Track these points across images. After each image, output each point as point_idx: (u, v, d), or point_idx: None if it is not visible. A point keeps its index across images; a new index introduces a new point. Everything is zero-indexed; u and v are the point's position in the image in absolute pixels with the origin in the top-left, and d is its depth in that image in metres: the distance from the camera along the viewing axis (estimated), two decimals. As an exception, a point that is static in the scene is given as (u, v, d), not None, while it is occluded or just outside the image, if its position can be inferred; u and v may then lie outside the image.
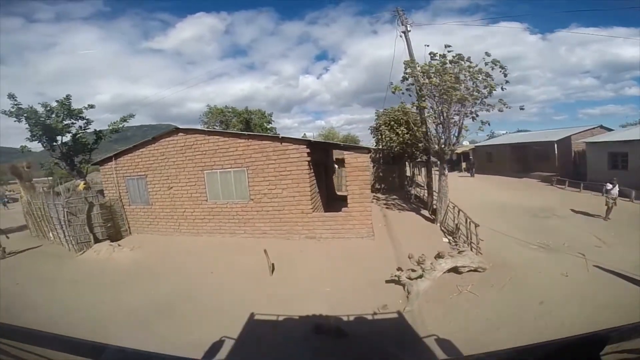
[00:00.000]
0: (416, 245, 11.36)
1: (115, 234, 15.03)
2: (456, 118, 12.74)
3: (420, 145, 18.10)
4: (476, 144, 37.47)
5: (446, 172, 13.67)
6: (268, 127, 36.56)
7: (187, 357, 1.27)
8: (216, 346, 5.58)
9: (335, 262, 10.30)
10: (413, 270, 8.35)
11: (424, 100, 12.89)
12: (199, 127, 23.63)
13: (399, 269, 8.60)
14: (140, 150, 14.61)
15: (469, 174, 31.92)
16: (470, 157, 36.10)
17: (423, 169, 23.32)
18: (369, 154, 11.56)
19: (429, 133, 13.73)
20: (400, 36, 17.03)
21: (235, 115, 42.94)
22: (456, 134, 13.02)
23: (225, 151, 12.93)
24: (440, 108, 12.63)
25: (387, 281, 8.62)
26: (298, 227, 12.51)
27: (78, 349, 1.05)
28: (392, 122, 18.64)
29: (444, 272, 8.55)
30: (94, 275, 10.67)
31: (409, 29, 16.86)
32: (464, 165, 35.96)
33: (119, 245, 13.29)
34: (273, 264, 9.73)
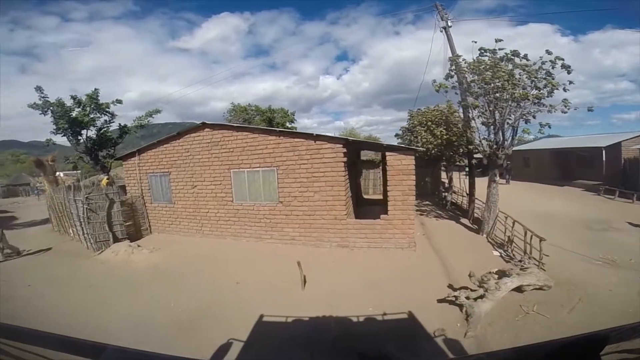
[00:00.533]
0: (463, 258, 10.17)
1: (135, 233, 14.26)
2: (512, 118, 11.26)
3: (461, 148, 16.65)
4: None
5: (497, 178, 12.20)
6: (290, 126, 35.61)
7: (187, 357, 1.22)
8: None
9: (375, 276, 9.07)
10: (472, 290, 7.28)
11: (475, 99, 11.48)
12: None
13: (455, 287, 7.38)
14: (164, 146, 13.76)
15: (503, 180, 29.90)
16: (507, 162, 33.91)
17: (457, 173, 21.76)
18: (415, 156, 10.23)
19: (477, 135, 12.28)
20: (441, 31, 15.72)
21: (259, 113, 42.26)
22: (512, 136, 11.56)
23: (253, 149, 11.88)
24: (493, 107, 11.19)
25: (439, 300, 7.48)
26: (330, 234, 11.33)
27: (78, 349, 1.01)
28: (429, 123, 17.21)
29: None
30: (110, 279, 9.81)
31: (449, 24, 15.51)
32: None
33: (138, 246, 12.43)
34: (305, 277, 8.59)
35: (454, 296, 7.20)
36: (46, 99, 16.26)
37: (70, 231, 15.15)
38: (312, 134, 11.17)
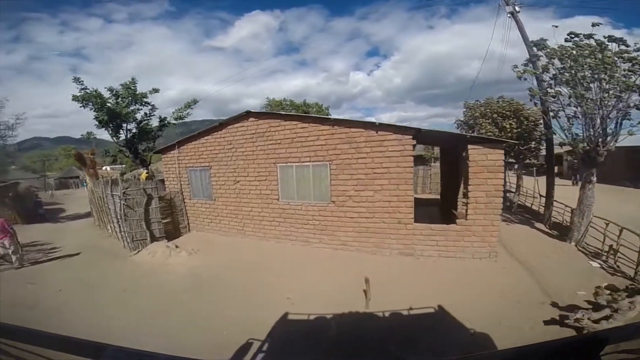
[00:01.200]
0: (555, 270, 8.37)
1: (173, 231, 13.19)
2: (614, 110, 9.09)
3: (532, 143, 14.36)
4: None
5: (594, 178, 9.97)
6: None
7: (188, 357, 1.16)
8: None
9: (455, 292, 7.27)
10: (588, 309, 6.00)
11: (572, 87, 9.36)
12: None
13: (561, 305, 5.68)
14: (205, 138, 12.53)
15: (569, 181, 26.67)
16: (574, 160, 30.53)
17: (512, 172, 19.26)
18: (504, 150, 8.30)
19: (564, 129, 10.10)
20: (509, 17, 13.52)
21: (294, 108, 41.08)
22: (616, 131, 9.35)
23: (304, 140, 10.34)
24: (594, 98, 9.06)
25: (546, 322, 5.94)
26: (391, 240, 9.60)
27: (78, 349, 1.00)
28: (495, 115, 15.01)
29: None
30: (145, 285, 8.67)
31: (517, 9, 13.27)
32: (558, 169, 30.41)
33: (176, 247, 11.27)
34: (366, 291, 6.93)
35: (577, 319, 5.62)
36: (85, 90, 15.57)
37: (108, 227, 14.37)
38: (374, 122, 9.46)
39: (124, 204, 11.37)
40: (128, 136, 16.84)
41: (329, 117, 10.09)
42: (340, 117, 9.93)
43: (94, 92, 15.44)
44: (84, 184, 56.16)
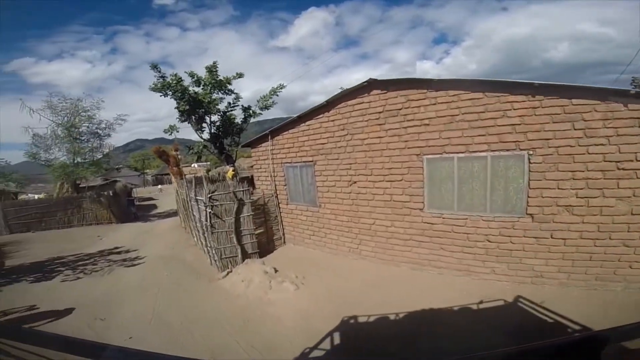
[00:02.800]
0: None
1: (266, 244, 10.02)
2: None
3: None
4: None
5: None
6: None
7: (188, 357, 1.17)
8: None
9: None
10: None
11: None
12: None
13: None
14: (308, 123, 9.02)
15: None
16: None
17: None
18: None
19: None
20: None
21: None
22: None
23: (474, 119, 6.22)
24: None
25: None
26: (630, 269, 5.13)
27: (78, 349, 0.97)
28: None
29: None
30: (237, 328, 5.56)
31: None
32: None
33: (275, 271, 8.00)
34: None
35: None
36: (164, 77, 13.17)
37: (194, 234, 11.80)
38: (622, 89, 5.02)
39: (210, 212, 8.38)
40: (212, 130, 14.24)
41: (526, 81, 5.73)
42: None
43: (174, 78, 12.99)
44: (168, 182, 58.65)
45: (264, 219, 10.08)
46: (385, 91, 7.36)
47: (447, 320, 5.39)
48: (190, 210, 10.89)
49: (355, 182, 8.23)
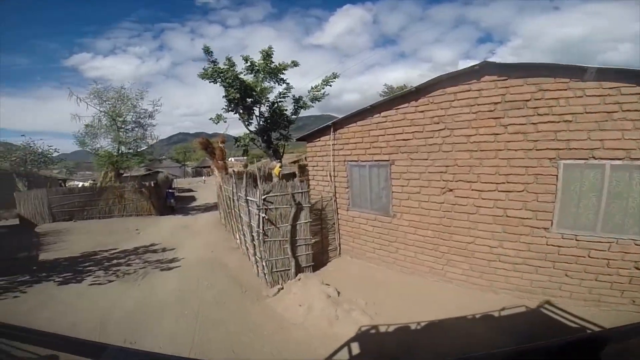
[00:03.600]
0: None
1: (320, 255, 8.31)
2: None
3: None
4: None
5: None
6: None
7: (188, 357, 0.73)
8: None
9: None
10: None
11: None
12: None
13: None
14: (384, 114, 7.17)
15: None
16: None
17: None
18: None
19: None
20: None
21: None
22: None
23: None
24: None
25: None
26: None
27: (78, 349, 0.95)
28: None
29: None
30: None
31: None
32: None
33: (338, 293, 6.28)
34: None
35: None
36: (215, 63, 11.80)
37: (237, 236, 10.36)
38: None
39: (264, 217, 6.77)
40: (260, 121, 12.76)
41: None
42: None
43: (227, 62, 11.59)
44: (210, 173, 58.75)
45: (320, 226, 8.36)
46: (505, 78, 5.39)
47: None
48: (235, 209, 9.42)
49: (451, 190, 6.30)
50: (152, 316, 6.19)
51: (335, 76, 13.16)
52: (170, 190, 18.17)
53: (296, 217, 7.16)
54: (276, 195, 6.94)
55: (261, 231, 6.91)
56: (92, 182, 25.86)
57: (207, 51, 11.86)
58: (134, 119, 17.46)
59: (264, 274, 7.34)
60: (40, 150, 16.76)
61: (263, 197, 6.73)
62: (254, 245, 7.65)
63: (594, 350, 0.91)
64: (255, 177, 7.84)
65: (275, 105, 13.03)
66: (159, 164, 35.92)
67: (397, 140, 6.93)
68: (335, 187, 8.42)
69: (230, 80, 11.49)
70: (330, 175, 8.43)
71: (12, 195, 15.70)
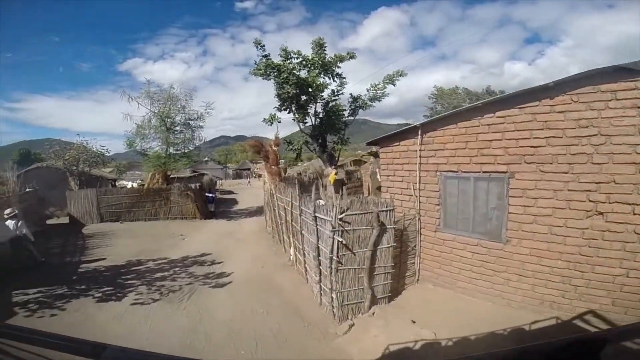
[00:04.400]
0: None
1: (395, 281, 6.61)
2: None
3: None
4: None
5: None
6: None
7: (188, 357, 1.12)
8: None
9: None
10: None
11: None
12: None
13: None
14: (500, 114, 5.41)
15: None
16: None
17: None
18: None
19: None
20: None
21: (469, 97, 31.77)
22: None
23: None
24: None
25: None
26: None
27: (78, 349, 0.95)
28: None
29: None
30: None
31: None
32: None
33: (433, 335, 4.56)
34: None
35: None
36: (267, 57, 10.53)
37: (291, 252, 8.95)
38: None
39: (341, 241, 5.23)
40: (315, 121, 11.31)
41: None
42: None
43: (283, 53, 10.28)
44: (253, 175, 58.71)
45: (400, 249, 6.69)
46: None
47: None
48: (293, 223, 7.98)
49: (601, 214, 4.44)
50: (200, 354, 4.90)
51: (400, 74, 11.45)
52: (210, 195, 17.07)
53: (378, 241, 5.56)
54: (354, 214, 5.37)
55: (335, 258, 5.37)
56: (140, 182, 25.87)
57: (259, 44, 10.61)
58: (182, 121, 16.78)
59: (332, 307, 5.80)
60: (93, 150, 16.51)
61: (340, 216, 5.18)
62: (320, 271, 6.14)
63: (594, 350, 0.87)
64: (302, 183, 6.33)
65: (332, 103, 11.53)
66: (204, 165, 35.93)
67: (521, 147, 5.14)
68: (419, 202, 6.71)
69: (286, 75, 10.13)
70: (414, 189, 6.74)
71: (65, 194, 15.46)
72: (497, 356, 1.19)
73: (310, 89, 10.45)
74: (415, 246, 6.92)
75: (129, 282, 7.88)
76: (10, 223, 8.97)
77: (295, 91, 10.16)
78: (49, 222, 15.74)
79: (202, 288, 7.48)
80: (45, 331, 0.96)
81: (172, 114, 16.34)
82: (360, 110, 11.62)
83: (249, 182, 48.69)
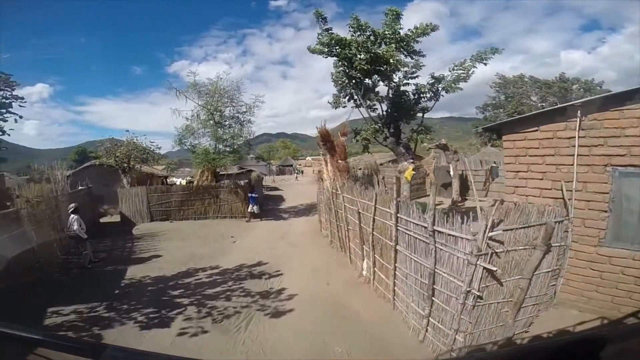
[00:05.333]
0: None
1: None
2: None
3: None
4: None
5: None
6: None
7: (187, 357, 1.06)
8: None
9: None
10: None
11: None
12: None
13: None
14: None
15: None
16: None
17: None
18: None
19: None
20: None
21: (538, 86, 27.91)
22: None
23: None
24: None
25: None
26: None
27: (78, 349, 0.90)
28: None
29: None
30: None
31: None
32: None
33: None
34: None
35: None
36: (329, 30, 8.64)
37: (364, 266, 7.10)
38: None
39: (489, 268, 3.26)
40: (387, 107, 9.24)
41: None
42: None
43: (354, 21, 8.32)
44: (297, 171, 57.70)
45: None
46: None
47: None
48: (375, 232, 6.08)
49: None
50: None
51: (494, 51, 9.03)
52: (253, 195, 15.06)
53: (539, 265, 3.52)
54: (511, 229, 3.36)
55: (475, 292, 3.40)
56: (189, 179, 25.43)
57: (320, 16, 8.72)
58: (231, 114, 15.53)
59: (453, 351, 3.86)
60: (143, 146, 15.86)
61: (491, 233, 3.20)
62: (432, 302, 4.20)
63: (594, 350, 0.83)
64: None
65: (405, 86, 9.38)
66: (254, 161, 35.24)
67: None
68: (572, 208, 4.51)
69: (357, 46, 8.12)
70: (564, 190, 4.54)
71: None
72: (498, 356, 1.11)
73: (385, 67, 8.38)
74: (561, 264, 4.73)
75: (177, 300, 6.49)
76: (73, 218, 8.27)
77: (368, 67, 8.14)
78: (102, 220, 15.32)
79: (260, 315, 5.88)
80: (45, 331, 0.75)
81: (221, 107, 15.16)
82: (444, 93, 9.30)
83: (297, 177, 48.16)
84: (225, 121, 15.40)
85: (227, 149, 15.55)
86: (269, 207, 20.22)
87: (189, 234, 12.11)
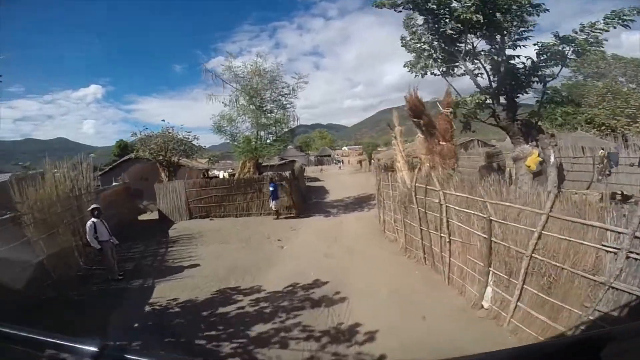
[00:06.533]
0: None
1: None
2: None
3: None
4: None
5: None
6: None
7: (187, 357, 0.78)
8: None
9: None
10: None
11: None
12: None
13: None
14: None
15: None
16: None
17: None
18: None
19: None
20: None
21: (631, 62, 22.95)
22: None
23: None
24: None
25: None
26: None
27: (78, 350, 0.74)
28: None
29: None
30: None
31: None
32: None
33: None
34: None
35: None
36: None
37: (489, 293, 4.58)
38: None
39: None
40: (498, 72, 6.42)
41: None
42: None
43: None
44: (335, 162, 55.40)
45: None
46: None
47: None
48: (532, 254, 3.57)
49: None
50: None
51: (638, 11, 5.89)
52: (273, 188, 12.38)
53: None
54: None
55: None
56: (230, 171, 23.97)
57: None
58: (273, 97, 13.38)
59: None
60: (180, 137, 14.33)
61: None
62: None
63: (594, 350, 0.75)
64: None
65: (525, 46, 6.42)
66: (296, 151, 33.35)
67: None
68: None
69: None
70: None
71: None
72: (497, 356, 0.96)
73: (503, 15, 5.57)
74: None
75: (211, 344, 4.44)
76: (88, 224, 6.52)
77: (476, 18, 5.39)
78: (140, 217, 14.01)
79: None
80: (45, 331, 0.75)
81: (261, 90, 13.07)
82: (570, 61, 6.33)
83: (340, 167, 46.34)
84: (266, 105, 13.33)
85: (270, 136, 13.51)
86: (313, 200, 18.13)
87: (230, 236, 10.23)
